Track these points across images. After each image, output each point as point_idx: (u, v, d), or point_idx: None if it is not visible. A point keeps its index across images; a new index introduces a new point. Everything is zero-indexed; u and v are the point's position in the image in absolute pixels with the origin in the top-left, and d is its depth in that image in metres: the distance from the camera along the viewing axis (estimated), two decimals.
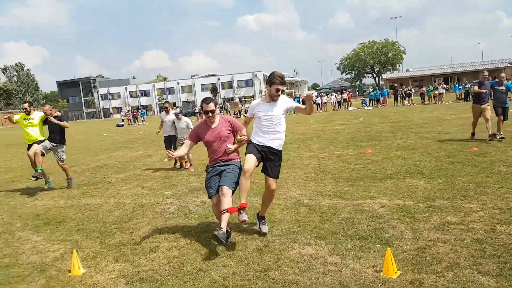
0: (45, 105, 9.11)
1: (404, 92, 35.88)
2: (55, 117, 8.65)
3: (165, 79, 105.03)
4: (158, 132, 11.30)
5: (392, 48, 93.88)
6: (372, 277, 3.57)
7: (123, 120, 46.54)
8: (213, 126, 4.79)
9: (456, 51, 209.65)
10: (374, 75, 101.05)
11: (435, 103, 33.59)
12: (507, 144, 9.72)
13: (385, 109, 32.24)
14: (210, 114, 4.73)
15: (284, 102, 4.78)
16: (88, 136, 28.70)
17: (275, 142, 4.71)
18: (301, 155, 10.74)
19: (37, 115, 8.88)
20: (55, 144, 8.66)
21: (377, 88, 44.40)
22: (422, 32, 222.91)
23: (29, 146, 8.82)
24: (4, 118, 9.55)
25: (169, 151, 4.74)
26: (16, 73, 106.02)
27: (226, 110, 46.51)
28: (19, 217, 6.72)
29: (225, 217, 4.31)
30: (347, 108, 36.98)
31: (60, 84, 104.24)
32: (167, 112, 10.47)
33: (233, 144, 4.82)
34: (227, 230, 4.45)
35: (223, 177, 4.60)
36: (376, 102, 37.19)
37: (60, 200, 7.74)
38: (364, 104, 39.41)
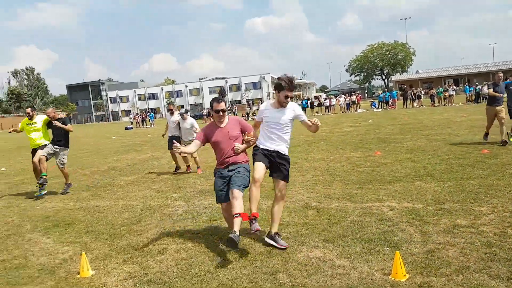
0: (48, 107, 8.98)
1: (413, 94, 35.66)
2: (58, 119, 8.58)
3: (173, 82, 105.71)
4: (164, 134, 11.35)
5: (401, 49, 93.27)
6: (381, 280, 3.55)
7: (131, 123, 46.85)
8: (222, 125, 4.74)
9: (466, 52, 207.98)
10: (383, 77, 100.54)
11: (445, 105, 33.33)
12: None
13: (394, 111, 32.03)
14: (221, 113, 4.69)
15: (293, 110, 4.60)
16: (97, 139, 28.91)
17: (282, 147, 4.63)
18: (310, 158, 10.71)
19: (39, 119, 8.76)
20: (58, 147, 8.55)
21: (386, 90, 44.24)
22: (432, 33, 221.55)
23: (34, 151, 8.69)
24: (9, 132, 9.44)
25: (176, 145, 4.60)
26: (26, 77, 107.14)
27: (234, 113, 46.63)
28: (29, 219, 6.78)
29: (237, 221, 4.20)
30: (356, 110, 36.83)
31: (70, 88, 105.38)
32: (172, 113, 10.53)
33: (242, 144, 4.78)
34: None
35: (233, 180, 4.54)
36: (385, 104, 37.01)
37: (69, 202, 7.80)
38: (373, 106, 39.20)
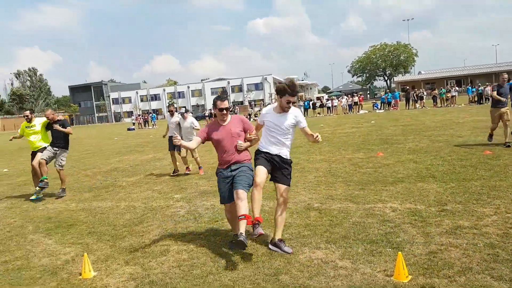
0: (46, 109, 8.90)
1: (416, 95, 35.61)
2: (58, 121, 8.50)
3: (175, 83, 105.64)
4: (165, 135, 11.36)
5: (404, 50, 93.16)
6: (383, 281, 3.54)
7: (133, 124, 46.94)
8: (224, 124, 4.71)
9: (469, 53, 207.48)
10: (386, 78, 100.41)
11: (448, 106, 33.29)
12: None
13: (396, 112, 32.00)
14: (225, 112, 4.66)
15: (295, 117, 4.54)
16: (100, 140, 28.96)
17: (284, 151, 4.60)
18: (312, 159, 10.69)
19: (38, 122, 8.69)
20: (57, 149, 8.48)
21: (388, 91, 44.17)
22: (435, 34, 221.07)
23: (33, 154, 8.64)
24: (10, 140, 9.40)
25: (176, 136, 4.62)
26: (29, 78, 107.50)
27: (236, 114, 46.66)
28: (31, 220, 6.79)
29: (243, 223, 4.16)
30: (358, 111, 36.78)
31: (72, 89, 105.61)
32: (172, 114, 10.54)
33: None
34: (236, 234, 4.50)
35: (236, 180, 4.48)
36: (387, 105, 36.97)
37: (71, 203, 7.81)
38: (375, 107, 39.16)
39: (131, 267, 4.36)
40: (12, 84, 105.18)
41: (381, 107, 38.38)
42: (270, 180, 4.69)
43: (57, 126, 8.36)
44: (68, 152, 8.77)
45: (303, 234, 4.90)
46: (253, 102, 70.84)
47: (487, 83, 36.45)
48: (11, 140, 9.27)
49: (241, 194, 4.31)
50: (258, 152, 4.68)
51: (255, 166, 4.55)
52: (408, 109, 34.45)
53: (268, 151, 4.60)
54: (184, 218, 6.11)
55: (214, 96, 4.95)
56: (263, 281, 3.74)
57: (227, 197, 4.65)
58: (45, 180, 8.28)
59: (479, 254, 3.89)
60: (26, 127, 8.71)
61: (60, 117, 8.68)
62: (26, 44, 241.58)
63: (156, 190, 8.37)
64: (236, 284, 3.73)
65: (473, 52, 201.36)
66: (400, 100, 38.43)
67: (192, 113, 13.23)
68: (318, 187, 7.33)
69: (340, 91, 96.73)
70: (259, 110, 57.62)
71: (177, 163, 10.28)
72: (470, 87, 37.61)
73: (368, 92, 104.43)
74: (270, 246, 4.56)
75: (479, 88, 33.54)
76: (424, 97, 36.22)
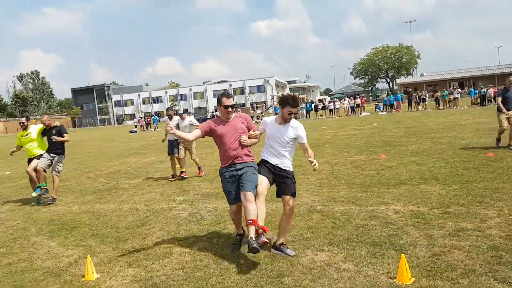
0: (43, 115, 8.76)
1: (418, 97, 35.57)
2: (54, 127, 8.38)
3: (177, 85, 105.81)
4: (164, 140, 11.37)
5: (406, 52, 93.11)
6: (386, 283, 3.53)
7: (136, 126, 47.03)
8: (228, 121, 4.69)
9: (472, 55, 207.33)
10: (388, 80, 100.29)
11: (450, 108, 33.23)
12: None
13: (399, 114, 31.97)
14: (230, 109, 4.63)
15: (296, 129, 4.54)
16: (102, 142, 29.01)
17: (286, 162, 4.57)
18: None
19: (34, 129, 8.62)
20: (54, 155, 8.37)
21: (390, 93, 44.13)
22: (437, 36, 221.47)
23: (29, 161, 8.57)
24: (11, 154, 9.23)
25: (169, 123, 4.61)
26: (31, 81, 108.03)
27: None
28: (34, 222, 6.81)
29: (252, 228, 4.12)
30: (360, 113, 36.76)
31: (75, 91, 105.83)
32: (170, 118, 10.55)
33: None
34: (239, 233, 4.61)
35: (243, 181, 4.41)
36: (389, 107, 36.92)
37: (74, 206, 7.83)
38: (377, 109, 39.14)
39: (134, 269, 4.36)
40: (14, 86, 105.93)
41: (383, 109, 38.34)
42: (277, 196, 4.62)
43: (55, 138, 8.22)
44: (64, 157, 8.63)
45: (306, 237, 4.89)
46: (255, 104, 70.72)
47: (490, 85, 36.45)
48: (11, 154, 9.05)
49: (250, 196, 4.27)
50: (260, 163, 4.66)
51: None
52: (411, 111, 34.41)
53: (269, 161, 4.59)
54: (187, 220, 6.12)
55: (217, 98, 4.94)
56: (266, 283, 3.74)
57: (233, 199, 4.57)
58: (45, 187, 8.24)
59: (482, 256, 3.89)
60: (22, 136, 8.65)
61: (57, 123, 8.57)
62: (28, 47, 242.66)
63: (159, 193, 8.38)
64: (238, 286, 3.73)
65: (475, 54, 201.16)
66: (402, 102, 38.35)
67: (194, 115, 13.21)
68: (321, 189, 7.33)
69: (342, 93, 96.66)
70: (261, 113, 57.68)
71: (176, 166, 10.29)
72: (472, 89, 37.54)
73: (371, 94, 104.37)
74: (272, 249, 4.55)
75: (482, 90, 33.46)
76: (427, 99, 36.18)
